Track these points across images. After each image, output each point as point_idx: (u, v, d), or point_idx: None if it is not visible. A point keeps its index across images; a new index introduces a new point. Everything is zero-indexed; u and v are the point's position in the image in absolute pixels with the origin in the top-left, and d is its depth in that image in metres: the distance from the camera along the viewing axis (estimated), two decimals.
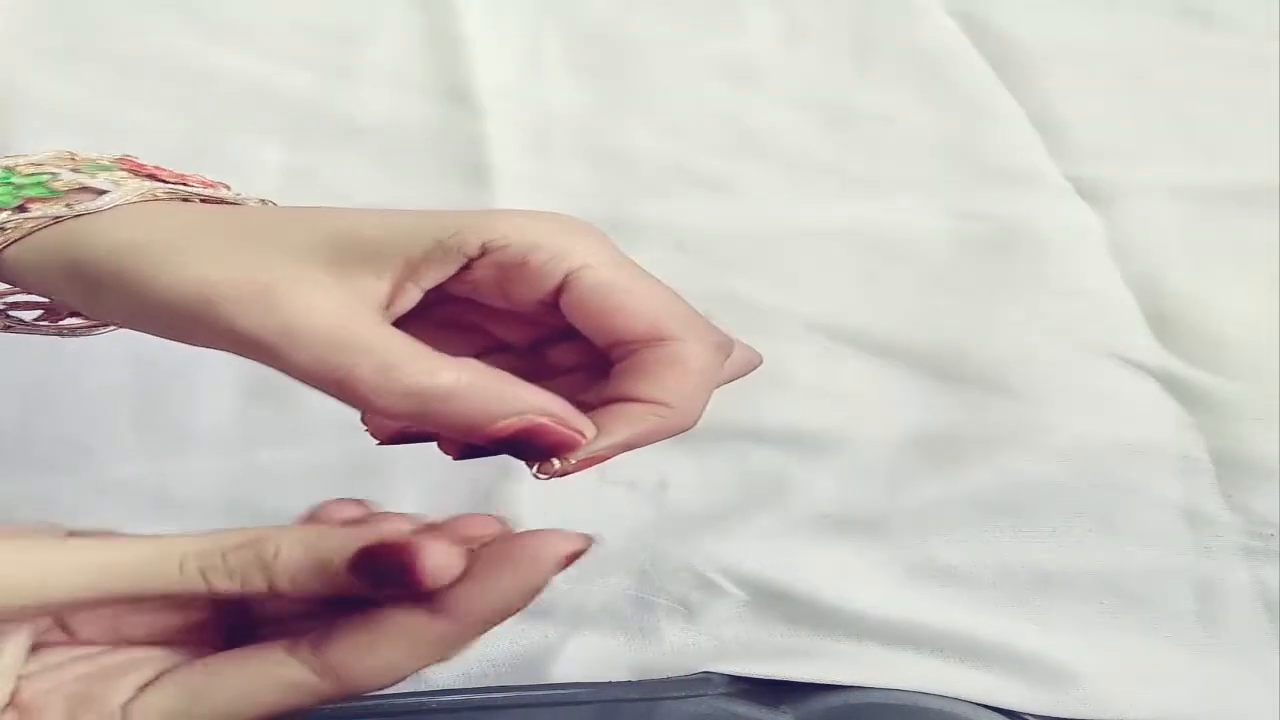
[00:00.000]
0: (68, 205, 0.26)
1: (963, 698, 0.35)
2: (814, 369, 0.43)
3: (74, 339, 0.31)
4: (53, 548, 0.21)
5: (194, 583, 0.22)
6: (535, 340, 0.29)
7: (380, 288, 0.25)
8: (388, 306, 0.26)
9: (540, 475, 0.25)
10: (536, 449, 0.24)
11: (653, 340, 0.25)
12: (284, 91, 0.52)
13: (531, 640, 0.36)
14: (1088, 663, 0.36)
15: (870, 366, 0.44)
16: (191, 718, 0.22)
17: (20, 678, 0.22)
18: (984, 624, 0.37)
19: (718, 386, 0.28)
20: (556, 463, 0.25)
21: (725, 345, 0.27)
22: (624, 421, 0.25)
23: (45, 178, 0.26)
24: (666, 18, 0.57)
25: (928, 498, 0.40)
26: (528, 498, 0.38)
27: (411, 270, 0.25)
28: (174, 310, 0.24)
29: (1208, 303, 0.45)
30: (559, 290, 0.26)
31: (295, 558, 0.22)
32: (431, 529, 0.25)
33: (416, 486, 0.39)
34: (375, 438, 0.28)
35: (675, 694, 0.34)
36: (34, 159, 0.27)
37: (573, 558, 0.23)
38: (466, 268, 0.26)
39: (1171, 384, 0.43)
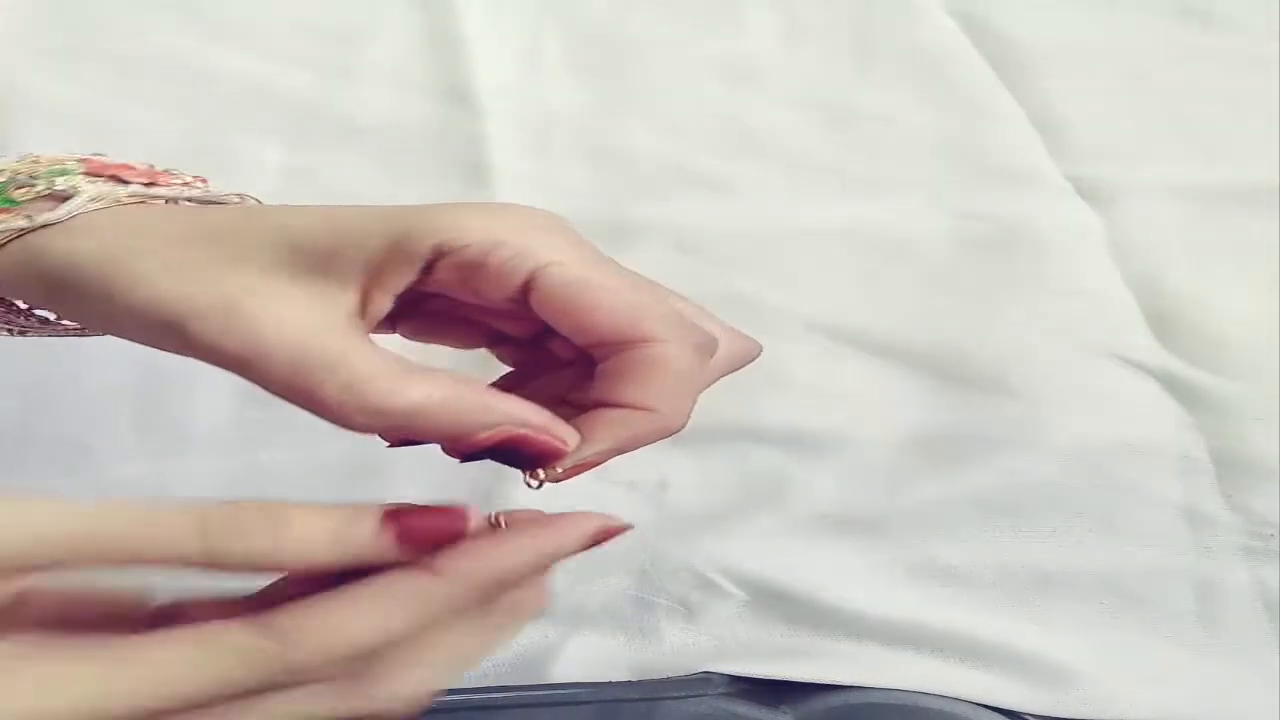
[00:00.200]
0: (28, 217, 0.25)
1: (963, 698, 0.35)
2: (814, 369, 0.43)
3: (80, 337, 0.31)
4: (64, 504, 0.20)
5: (198, 546, 0.20)
6: (535, 332, 0.28)
7: (347, 296, 0.24)
8: (361, 314, 0.25)
9: (530, 483, 0.25)
10: (522, 457, 0.24)
11: (629, 342, 0.24)
12: (284, 91, 0.52)
13: (531, 640, 0.36)
14: (1088, 663, 0.36)
15: (870, 366, 0.44)
16: (104, 698, 0.18)
17: None
18: (984, 624, 0.37)
19: (713, 381, 0.27)
20: (543, 472, 0.24)
21: (707, 344, 0.26)
22: (608, 428, 0.25)
23: (4, 186, 0.26)
24: (666, 18, 0.57)
25: (928, 498, 0.40)
26: (526, 498, 0.38)
27: (375, 276, 0.24)
28: (143, 325, 0.24)
29: (1208, 303, 0.45)
30: (526, 289, 0.24)
31: (315, 513, 0.21)
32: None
33: (416, 486, 0.39)
34: (383, 439, 0.28)
35: (675, 694, 0.34)
36: None
37: (603, 536, 0.22)
38: (429, 269, 0.24)
39: (1171, 384, 0.43)
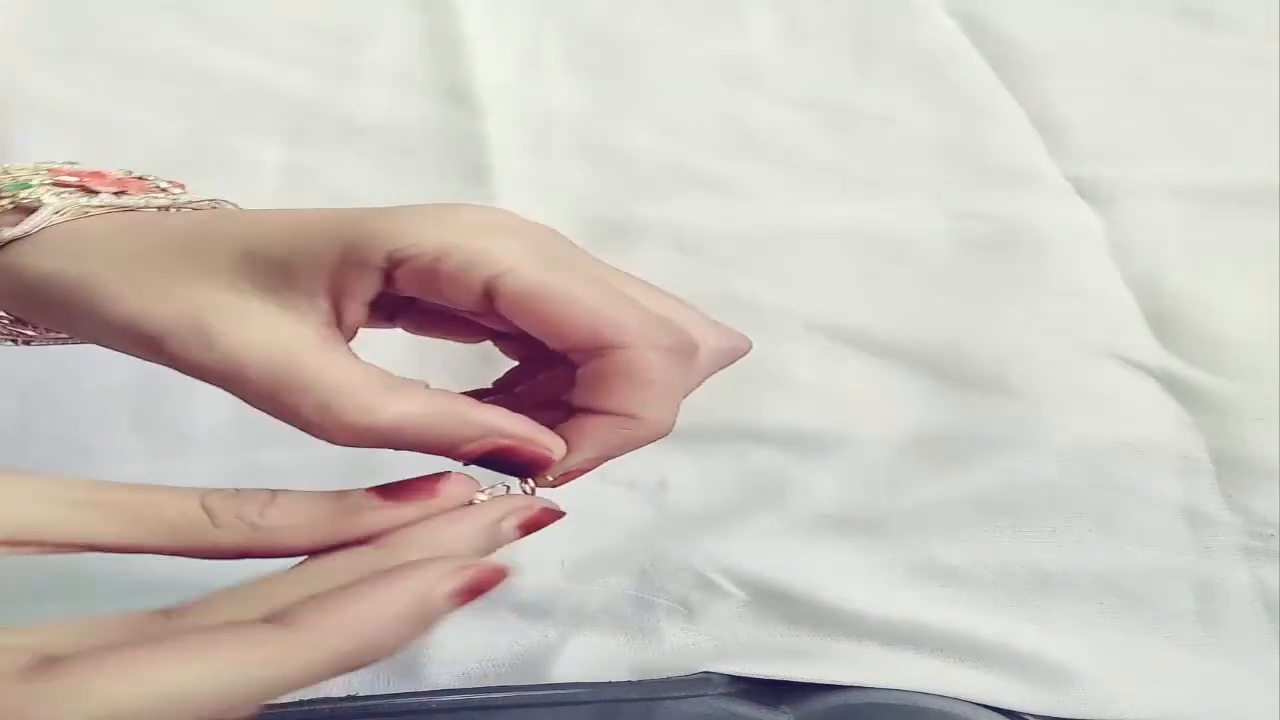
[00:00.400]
0: None
1: (963, 698, 0.35)
2: (814, 369, 0.43)
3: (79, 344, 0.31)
4: (73, 483, 0.20)
5: (215, 528, 0.20)
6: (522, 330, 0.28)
7: (319, 306, 0.24)
8: (337, 324, 0.24)
9: (525, 489, 0.25)
10: (510, 466, 0.24)
11: (598, 349, 0.24)
12: (284, 91, 0.52)
13: (531, 640, 0.36)
14: (1088, 663, 0.36)
15: (870, 366, 0.44)
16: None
17: None
18: (984, 624, 0.37)
19: (701, 380, 0.27)
20: (532, 482, 0.24)
21: (683, 346, 0.25)
22: (592, 435, 0.24)
23: None
24: (666, 18, 0.57)
25: (928, 498, 0.40)
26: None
27: (338, 286, 0.23)
28: (123, 342, 0.24)
29: (1208, 303, 0.45)
30: (487, 296, 0.23)
31: (298, 494, 0.21)
32: None
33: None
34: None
35: (675, 694, 0.34)
36: None
37: (473, 587, 0.20)
38: (390, 277, 0.23)
39: (1171, 384, 0.43)
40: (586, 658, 0.36)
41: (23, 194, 0.25)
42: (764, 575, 0.37)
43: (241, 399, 0.23)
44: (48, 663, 0.17)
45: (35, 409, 0.41)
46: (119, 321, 0.24)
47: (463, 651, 0.35)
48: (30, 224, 0.25)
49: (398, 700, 0.33)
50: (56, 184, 0.26)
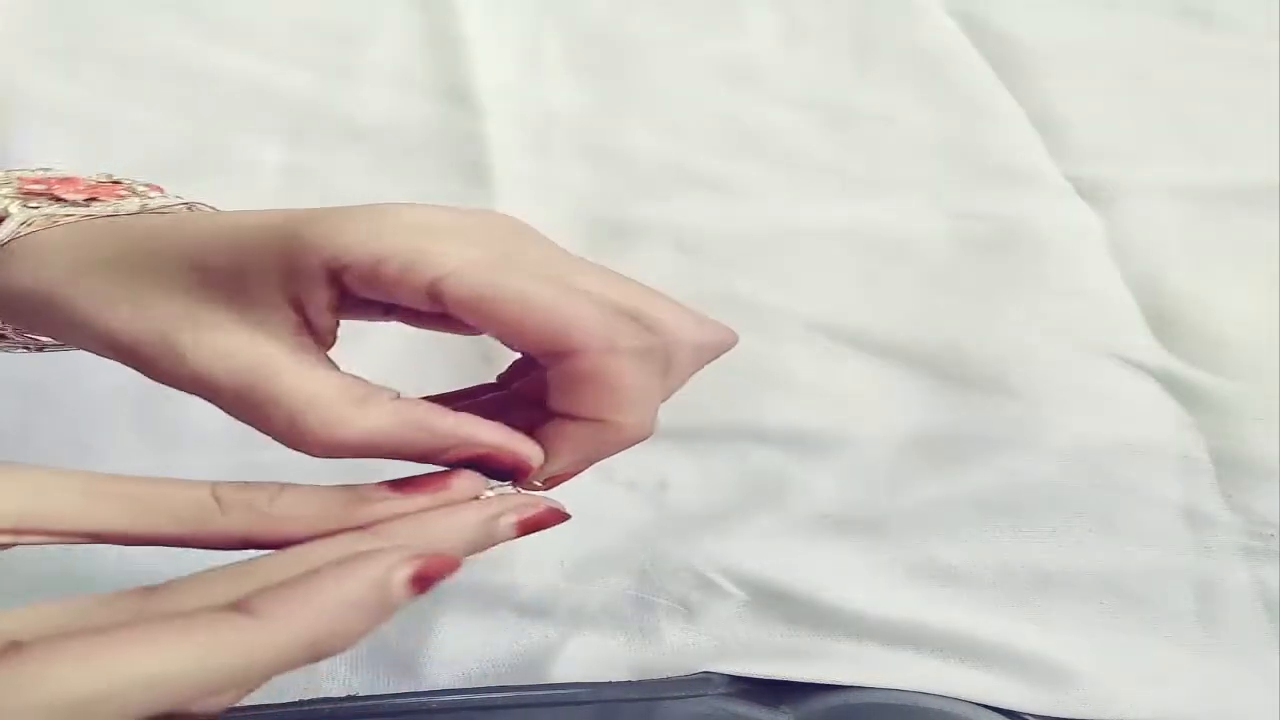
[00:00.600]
0: None
1: (963, 698, 0.35)
2: (814, 369, 0.43)
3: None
4: (88, 477, 0.20)
5: (222, 516, 0.20)
6: None
7: (284, 315, 0.23)
8: (306, 330, 0.23)
9: (515, 491, 0.24)
10: (495, 471, 0.23)
11: (556, 354, 0.23)
12: (284, 91, 0.52)
13: (531, 640, 0.36)
14: (1088, 663, 0.36)
15: (870, 366, 0.44)
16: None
17: None
18: (984, 624, 0.37)
19: (685, 378, 0.26)
20: (519, 486, 0.24)
21: (651, 347, 0.24)
22: (568, 442, 0.24)
23: None
24: (666, 18, 0.57)
25: (928, 498, 0.40)
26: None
27: (294, 294, 0.23)
28: (105, 353, 0.24)
29: (1208, 303, 0.45)
30: (435, 300, 0.22)
31: (307, 487, 0.21)
32: None
33: None
34: None
35: (675, 694, 0.34)
36: None
37: (426, 577, 0.20)
38: (339, 281, 0.23)
39: (1171, 384, 0.43)
40: (586, 658, 0.36)
41: None
42: (764, 575, 0.37)
43: (221, 410, 0.23)
44: (12, 648, 0.17)
45: (35, 409, 0.41)
46: (95, 335, 0.24)
47: (463, 651, 0.35)
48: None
49: (398, 700, 0.33)
50: (25, 193, 0.26)
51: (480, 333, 0.28)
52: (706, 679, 0.35)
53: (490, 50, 0.54)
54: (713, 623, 0.37)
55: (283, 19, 0.55)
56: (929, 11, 0.57)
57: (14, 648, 0.17)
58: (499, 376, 0.29)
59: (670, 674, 0.35)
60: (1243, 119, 0.53)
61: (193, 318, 0.23)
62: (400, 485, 0.22)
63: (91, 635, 0.17)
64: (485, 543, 0.23)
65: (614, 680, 0.35)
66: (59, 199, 0.26)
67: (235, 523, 0.21)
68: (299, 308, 0.23)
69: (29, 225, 0.25)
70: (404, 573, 0.19)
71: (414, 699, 0.33)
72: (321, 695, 0.33)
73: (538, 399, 0.25)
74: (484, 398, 0.27)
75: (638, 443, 0.24)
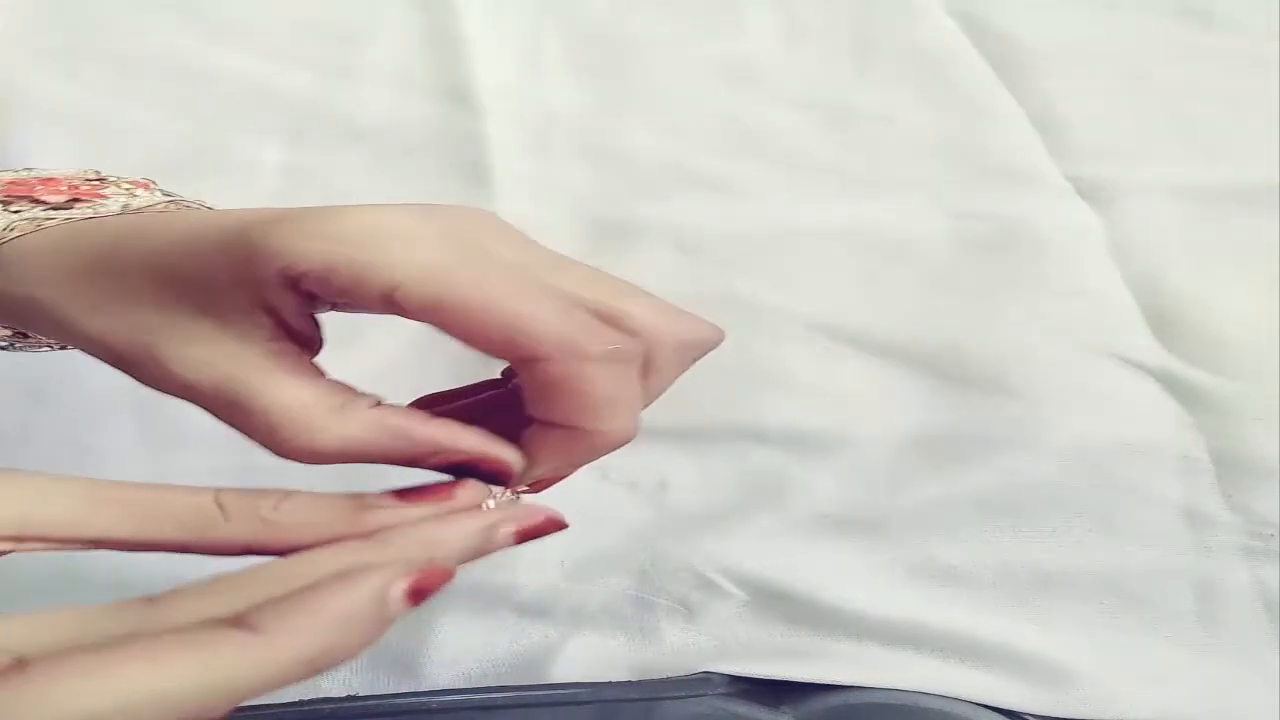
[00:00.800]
0: None
1: (963, 698, 0.35)
2: (814, 369, 0.43)
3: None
4: (90, 483, 0.20)
5: (226, 523, 0.20)
6: None
7: (259, 321, 0.23)
8: (284, 336, 0.23)
9: (502, 495, 0.24)
10: (479, 475, 0.23)
11: (524, 361, 0.22)
12: (284, 91, 0.52)
13: (531, 640, 0.36)
14: (1088, 663, 0.36)
15: (870, 366, 0.44)
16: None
17: None
18: (984, 624, 0.37)
19: (671, 379, 0.25)
20: (506, 490, 0.24)
21: (621, 352, 0.23)
22: (547, 448, 0.23)
23: None
24: (666, 18, 0.57)
25: (928, 498, 0.40)
26: (527, 497, 0.38)
27: (264, 299, 0.22)
28: (100, 357, 0.24)
29: (1208, 303, 0.45)
30: (393, 308, 0.22)
31: (310, 494, 0.21)
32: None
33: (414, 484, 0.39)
34: None
35: (675, 694, 0.34)
36: None
37: (422, 588, 0.20)
38: (299, 288, 0.22)
39: (1171, 384, 0.43)
40: (586, 658, 0.36)
41: None
42: (764, 575, 0.37)
43: (209, 415, 0.23)
44: (16, 666, 0.17)
45: (35, 409, 0.41)
46: (83, 341, 0.23)
47: (463, 651, 0.35)
48: None
49: (398, 700, 0.33)
50: (7, 197, 0.26)
51: None
52: (706, 679, 0.35)
53: (490, 50, 0.54)
54: (713, 623, 0.37)
55: (283, 19, 0.55)
56: (929, 11, 0.57)
57: (19, 666, 0.17)
58: (502, 372, 0.29)
59: (670, 674, 0.35)
60: (1243, 119, 0.53)
61: (169, 326, 0.23)
62: (405, 494, 0.22)
63: (96, 652, 0.17)
64: (483, 550, 0.22)
65: (614, 680, 0.35)
66: (38, 201, 0.25)
67: (238, 530, 0.21)
68: (272, 313, 0.23)
69: (11, 230, 0.25)
70: (401, 586, 0.19)
71: (414, 699, 0.33)
72: (322, 695, 0.33)
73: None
74: (483, 395, 0.27)
75: (620, 446, 0.24)
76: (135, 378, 0.23)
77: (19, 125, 0.49)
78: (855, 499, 0.40)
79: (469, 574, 0.23)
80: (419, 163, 0.50)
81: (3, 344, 0.29)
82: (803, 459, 0.41)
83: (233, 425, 0.22)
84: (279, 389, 0.22)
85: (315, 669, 0.19)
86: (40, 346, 0.29)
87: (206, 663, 0.18)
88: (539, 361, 0.22)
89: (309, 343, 0.24)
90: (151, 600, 0.19)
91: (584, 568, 0.38)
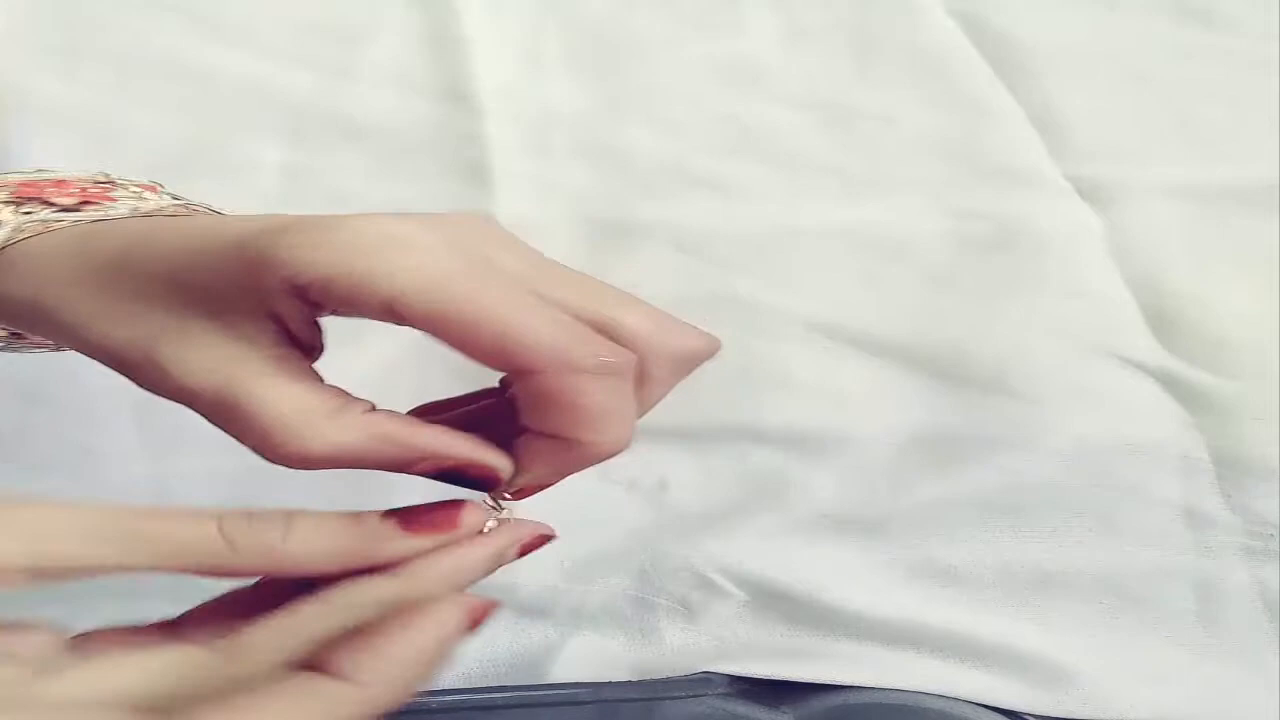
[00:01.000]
0: None
1: (963, 698, 0.35)
2: (814, 369, 0.43)
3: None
4: (78, 507, 0.20)
5: (234, 555, 0.21)
6: None
7: (264, 328, 0.23)
8: (288, 341, 0.23)
9: (488, 503, 0.25)
10: (469, 482, 0.24)
11: (518, 373, 0.22)
12: (284, 91, 0.52)
13: (531, 640, 0.36)
14: (1088, 663, 0.36)
15: (870, 366, 0.44)
16: None
17: None
18: (984, 624, 0.37)
19: (667, 388, 0.25)
20: (494, 496, 0.24)
21: (615, 365, 0.23)
22: (538, 457, 0.24)
23: None
24: (666, 17, 0.57)
25: (928, 498, 0.40)
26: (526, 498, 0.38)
27: (269, 305, 0.23)
28: (102, 361, 0.24)
29: (1208, 303, 0.45)
30: (395, 318, 0.22)
31: (321, 515, 0.22)
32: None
33: (416, 486, 0.39)
34: None
35: (675, 694, 0.34)
36: None
37: (477, 618, 0.21)
38: (306, 296, 0.22)
39: (1171, 384, 0.43)
40: (586, 658, 0.36)
41: None
42: (764, 575, 0.37)
43: (206, 420, 0.23)
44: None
45: (35, 409, 0.41)
46: (84, 344, 0.24)
47: (462, 651, 0.35)
48: None
49: None
50: (18, 198, 0.26)
51: None
52: (706, 679, 0.35)
53: (490, 50, 0.54)
54: (713, 623, 0.37)
55: (283, 19, 0.55)
56: (929, 11, 0.57)
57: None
58: (500, 380, 0.29)
59: (670, 674, 0.35)
60: (1243, 119, 0.53)
61: (172, 331, 0.23)
62: (408, 521, 0.22)
63: (227, 712, 0.19)
64: (494, 569, 0.23)
65: (614, 680, 0.35)
66: (48, 202, 0.26)
67: (247, 561, 0.21)
68: (277, 319, 0.23)
69: (21, 232, 0.25)
70: (461, 621, 0.21)
71: (414, 699, 0.33)
72: None
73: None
74: (480, 404, 0.28)
75: (611, 457, 0.24)
76: (135, 381, 0.24)
77: (19, 125, 0.49)
78: (855, 499, 0.40)
79: None
80: (419, 163, 0.50)
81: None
82: (803, 459, 0.41)
83: (228, 430, 0.23)
84: (276, 394, 0.22)
85: (387, 709, 0.20)
86: (35, 348, 0.29)
87: (307, 713, 0.19)
88: (533, 374, 0.22)
89: (310, 348, 0.24)
90: (216, 649, 0.20)
91: (584, 568, 0.38)
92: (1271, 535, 0.39)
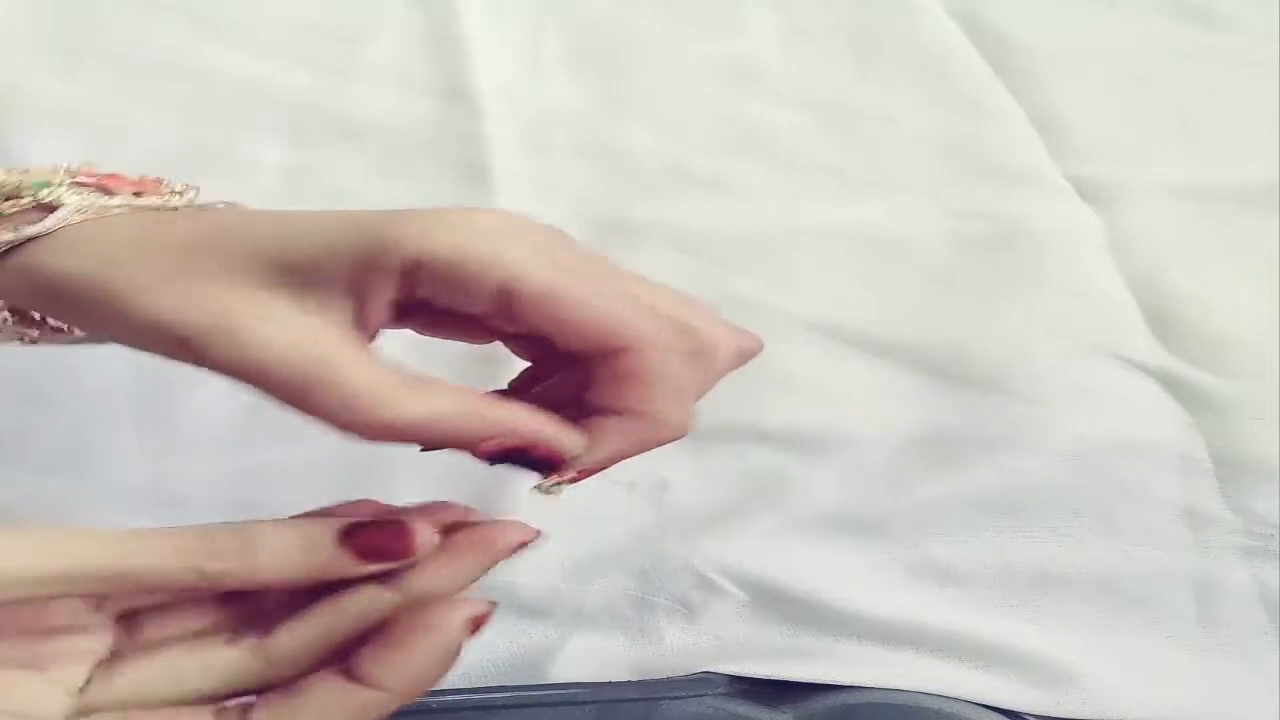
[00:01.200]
0: (14, 229, 0.25)
1: (963, 698, 0.35)
2: (814, 369, 0.43)
3: (91, 344, 0.31)
4: (30, 531, 0.21)
5: (179, 567, 0.21)
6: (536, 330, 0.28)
7: (340, 307, 0.24)
8: (359, 324, 0.24)
9: (537, 490, 0.25)
10: (531, 463, 0.24)
11: (613, 350, 0.24)
12: (284, 91, 0.52)
13: (531, 640, 0.36)
14: (1088, 663, 0.36)
15: (870, 366, 0.44)
16: None
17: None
18: (984, 624, 0.37)
19: (716, 379, 0.27)
20: (555, 476, 0.25)
21: (697, 347, 0.26)
22: (611, 434, 0.25)
23: None
24: (666, 17, 0.57)
25: (928, 498, 0.40)
26: (528, 497, 0.38)
27: (359, 288, 0.24)
28: (148, 342, 0.24)
29: (1208, 303, 0.45)
30: (503, 300, 0.24)
31: (283, 535, 0.22)
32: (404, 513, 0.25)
33: (416, 485, 0.39)
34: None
35: (675, 694, 0.34)
36: None
37: (480, 620, 0.23)
38: (409, 280, 0.24)
39: (1171, 384, 0.43)
40: (586, 658, 0.36)
41: (43, 193, 0.26)
42: (764, 575, 0.37)
43: (266, 396, 0.23)
44: None
45: (35, 409, 0.41)
46: (143, 321, 0.24)
47: (463, 652, 0.35)
48: (51, 221, 0.25)
49: None
50: (75, 184, 0.26)
51: (493, 341, 0.29)
52: (706, 679, 0.35)
53: (490, 50, 0.54)
54: (713, 623, 0.37)
55: (283, 19, 0.55)
56: (929, 11, 0.57)
57: None
58: (510, 384, 0.29)
59: (670, 674, 0.35)
60: (1243, 119, 0.53)
61: (253, 305, 0.24)
62: (364, 553, 0.23)
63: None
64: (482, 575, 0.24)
65: (614, 680, 0.35)
66: (108, 191, 0.27)
67: (222, 585, 0.22)
68: (359, 302, 0.24)
69: (83, 212, 0.25)
70: (467, 625, 0.22)
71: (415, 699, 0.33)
72: None
73: (564, 401, 0.26)
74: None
75: (675, 439, 0.25)
76: (190, 356, 0.24)
77: (19, 125, 0.49)
78: (855, 499, 0.40)
79: None
80: (419, 163, 0.50)
81: None
82: (803, 459, 0.41)
83: (297, 402, 0.23)
84: (358, 365, 0.23)
85: (395, 711, 0.22)
86: (10, 338, 0.29)
87: (329, 714, 0.22)
88: (629, 350, 0.24)
89: (370, 338, 0.25)
90: (252, 650, 0.23)
91: (584, 568, 0.38)
92: (1271, 535, 0.39)
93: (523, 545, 0.24)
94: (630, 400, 0.24)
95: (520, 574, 0.37)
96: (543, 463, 0.24)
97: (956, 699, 0.35)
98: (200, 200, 0.28)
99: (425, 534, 0.23)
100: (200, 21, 0.54)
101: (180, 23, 0.54)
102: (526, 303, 0.23)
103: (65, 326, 0.30)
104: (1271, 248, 0.48)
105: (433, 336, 0.29)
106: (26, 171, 0.27)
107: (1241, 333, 0.44)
